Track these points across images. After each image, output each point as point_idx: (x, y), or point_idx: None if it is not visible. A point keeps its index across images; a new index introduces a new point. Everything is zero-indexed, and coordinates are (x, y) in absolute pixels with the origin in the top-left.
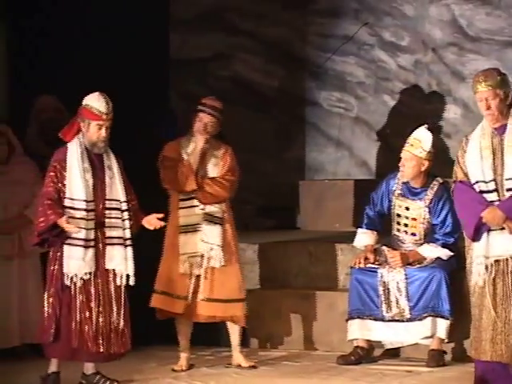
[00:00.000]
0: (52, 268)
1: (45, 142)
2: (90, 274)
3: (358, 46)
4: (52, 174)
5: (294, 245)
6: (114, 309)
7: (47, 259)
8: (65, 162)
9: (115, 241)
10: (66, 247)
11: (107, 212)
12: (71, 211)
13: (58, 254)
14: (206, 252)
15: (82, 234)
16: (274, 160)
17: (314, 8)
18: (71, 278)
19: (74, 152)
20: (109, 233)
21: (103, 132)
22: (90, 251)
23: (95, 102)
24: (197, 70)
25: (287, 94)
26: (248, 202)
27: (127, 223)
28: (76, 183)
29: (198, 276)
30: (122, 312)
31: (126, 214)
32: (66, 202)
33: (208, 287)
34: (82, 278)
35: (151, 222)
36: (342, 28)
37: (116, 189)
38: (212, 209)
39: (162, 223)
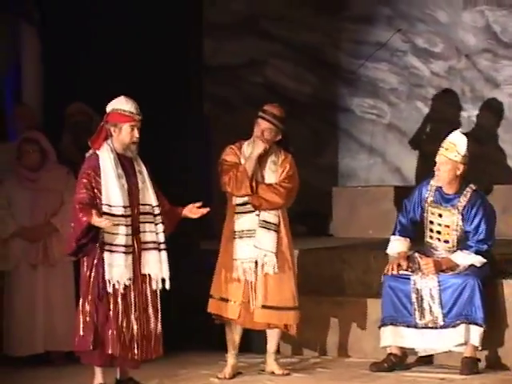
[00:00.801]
0: (87, 275)
1: (77, 148)
2: (130, 279)
3: (390, 52)
4: (85, 180)
5: (327, 251)
6: (150, 314)
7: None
8: (98, 169)
9: (150, 245)
10: (106, 254)
11: (141, 217)
12: (110, 217)
13: (95, 260)
14: (260, 258)
15: (122, 240)
16: (306, 166)
17: (346, 14)
18: (113, 285)
19: (106, 158)
20: (143, 238)
21: (136, 133)
22: (130, 257)
23: (124, 104)
24: (230, 76)
25: (320, 100)
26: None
27: (160, 227)
28: (113, 189)
29: (253, 282)
30: (157, 317)
31: (158, 219)
32: (104, 209)
33: (263, 294)
34: (123, 284)
35: (192, 210)
36: (375, 34)
37: (148, 194)
38: (268, 215)
39: (205, 210)
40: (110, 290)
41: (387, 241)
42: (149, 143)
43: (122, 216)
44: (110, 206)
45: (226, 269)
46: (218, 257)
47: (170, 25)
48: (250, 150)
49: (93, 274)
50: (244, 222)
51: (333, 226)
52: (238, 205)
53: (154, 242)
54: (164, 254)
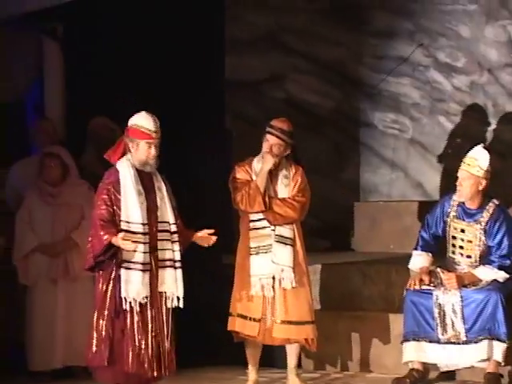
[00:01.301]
0: (103, 290)
1: (101, 163)
2: (146, 297)
3: (412, 67)
4: (105, 196)
5: (349, 266)
6: (165, 331)
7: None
8: (118, 184)
9: (167, 263)
10: (123, 271)
11: (159, 234)
12: (128, 235)
13: (112, 275)
14: (277, 273)
15: (140, 258)
16: (328, 181)
17: (368, 29)
18: (129, 303)
19: (127, 174)
20: (161, 255)
21: (152, 151)
22: (147, 275)
23: (143, 120)
24: (252, 92)
25: (342, 114)
26: (301, 223)
27: (177, 245)
28: (133, 206)
29: (271, 298)
30: (171, 334)
31: (175, 236)
32: (123, 225)
33: (281, 309)
34: (139, 302)
35: (203, 238)
36: (397, 49)
37: (166, 211)
38: (283, 230)
39: (214, 239)
40: (126, 307)
41: (409, 255)
42: (170, 158)
43: (141, 233)
44: (128, 222)
45: (243, 285)
46: (235, 274)
47: (192, 40)
48: (260, 165)
49: (109, 289)
50: (260, 237)
51: (354, 241)
52: (252, 221)
53: (171, 260)
54: (179, 272)
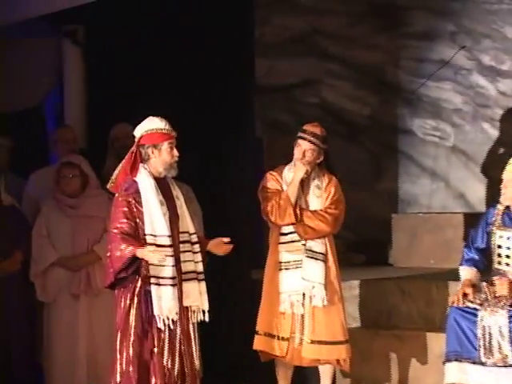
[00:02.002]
0: (127, 308)
1: None
2: (177, 313)
3: (454, 70)
4: (125, 209)
5: (386, 282)
6: (192, 349)
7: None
8: (139, 197)
9: (190, 276)
10: (154, 288)
11: (181, 246)
12: (157, 249)
13: (136, 292)
14: (308, 290)
15: (169, 272)
16: (364, 192)
17: (407, 31)
18: (163, 320)
19: (147, 185)
20: (184, 268)
21: (175, 151)
22: (176, 289)
23: (158, 123)
24: (284, 97)
25: (379, 121)
26: (337, 236)
27: (199, 256)
28: (157, 218)
29: (300, 316)
30: (197, 352)
31: (196, 247)
32: (149, 240)
33: (311, 328)
34: (171, 319)
35: (219, 246)
36: (438, 52)
37: (186, 220)
38: (314, 244)
39: (230, 247)
40: (160, 325)
41: (450, 271)
42: (196, 168)
43: (168, 246)
44: (154, 236)
45: (271, 302)
46: (263, 289)
47: (221, 44)
48: (292, 174)
49: (133, 307)
50: (290, 252)
51: (392, 255)
52: (282, 234)
53: (194, 272)
54: (203, 284)
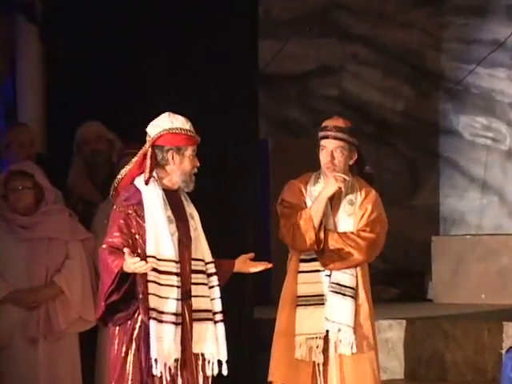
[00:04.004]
0: (122, 353)
1: (92, 184)
2: (177, 360)
3: (511, 54)
4: (121, 221)
5: (425, 322)
6: None
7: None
8: (141, 209)
9: (203, 315)
10: (153, 324)
11: (193, 277)
12: (157, 276)
13: (135, 333)
14: (333, 334)
15: (172, 306)
16: (397, 208)
17: (451, 5)
18: (162, 365)
19: (154, 196)
20: (196, 304)
21: (197, 160)
22: (179, 330)
23: (182, 122)
24: (295, 89)
25: (415, 119)
26: (369, 267)
27: (216, 292)
28: (163, 238)
29: (323, 366)
30: None
31: (213, 280)
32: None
33: (337, 381)
34: (169, 368)
35: (247, 263)
36: (490, 31)
37: (200, 245)
38: (342, 276)
39: (268, 265)
40: (156, 372)
41: (505, 308)
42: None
43: (174, 274)
44: (157, 259)
45: (285, 346)
46: (275, 330)
47: (214, 21)
48: (319, 187)
49: (131, 352)
50: (310, 284)
51: (433, 289)
52: (303, 261)
53: (209, 311)
54: (221, 327)
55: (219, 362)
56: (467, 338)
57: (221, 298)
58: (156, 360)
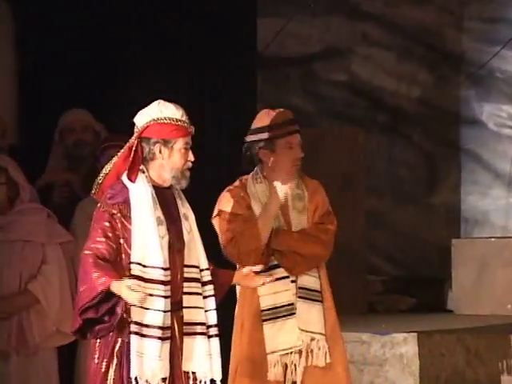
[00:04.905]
0: (102, 369)
1: (75, 179)
2: (165, 380)
3: None
4: (106, 224)
5: (444, 336)
6: None
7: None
8: (127, 209)
9: (196, 328)
10: (134, 339)
11: (185, 285)
12: (142, 284)
13: (116, 347)
14: (306, 345)
15: (158, 319)
16: (413, 208)
17: None
18: None
19: (142, 194)
20: (187, 317)
21: (191, 154)
22: (167, 345)
23: (172, 111)
24: (298, 74)
25: (433, 107)
26: (374, 271)
27: (211, 303)
28: (151, 241)
29: (296, 382)
30: None
31: (209, 289)
32: (134, 270)
33: None
34: None
35: (249, 276)
36: None
37: (195, 250)
38: (307, 279)
39: (271, 279)
40: None
41: None
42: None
43: (161, 283)
44: (143, 265)
45: (252, 372)
46: (234, 359)
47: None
48: (261, 187)
49: (112, 367)
50: (276, 294)
51: (453, 298)
52: (263, 271)
53: (202, 324)
54: (215, 342)
55: (212, 382)
56: (492, 354)
57: (216, 309)
58: (137, 380)
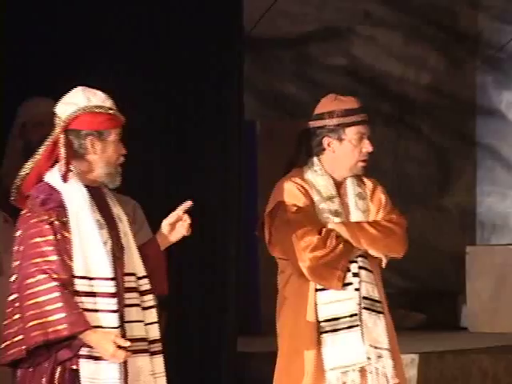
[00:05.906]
0: None
1: None
2: None
3: None
4: (50, 237)
5: (459, 357)
6: None
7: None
8: (64, 214)
9: (139, 345)
10: (85, 364)
11: (126, 296)
12: (90, 301)
13: (56, 374)
14: (374, 361)
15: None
16: (423, 210)
17: None
18: None
19: (78, 195)
20: (129, 332)
21: (123, 147)
22: (122, 368)
23: (101, 98)
24: (291, 57)
25: (444, 95)
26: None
27: (152, 315)
28: (94, 249)
29: None
30: None
31: (148, 300)
32: (79, 285)
33: None
34: None
35: (179, 224)
36: None
37: (131, 256)
38: (371, 288)
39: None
40: None
41: None
42: (152, 175)
43: (111, 295)
44: (89, 278)
45: None
46: (277, 371)
47: None
48: (323, 180)
49: None
50: (339, 302)
51: (468, 314)
52: None
53: (144, 340)
54: (160, 360)
55: None
56: (511, 377)
57: (158, 322)
58: None
